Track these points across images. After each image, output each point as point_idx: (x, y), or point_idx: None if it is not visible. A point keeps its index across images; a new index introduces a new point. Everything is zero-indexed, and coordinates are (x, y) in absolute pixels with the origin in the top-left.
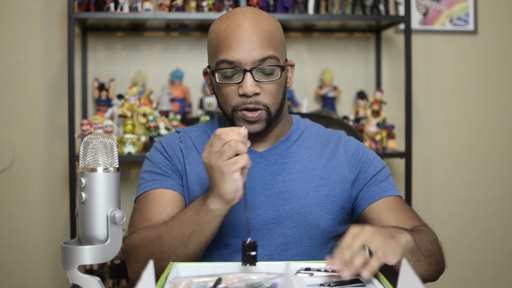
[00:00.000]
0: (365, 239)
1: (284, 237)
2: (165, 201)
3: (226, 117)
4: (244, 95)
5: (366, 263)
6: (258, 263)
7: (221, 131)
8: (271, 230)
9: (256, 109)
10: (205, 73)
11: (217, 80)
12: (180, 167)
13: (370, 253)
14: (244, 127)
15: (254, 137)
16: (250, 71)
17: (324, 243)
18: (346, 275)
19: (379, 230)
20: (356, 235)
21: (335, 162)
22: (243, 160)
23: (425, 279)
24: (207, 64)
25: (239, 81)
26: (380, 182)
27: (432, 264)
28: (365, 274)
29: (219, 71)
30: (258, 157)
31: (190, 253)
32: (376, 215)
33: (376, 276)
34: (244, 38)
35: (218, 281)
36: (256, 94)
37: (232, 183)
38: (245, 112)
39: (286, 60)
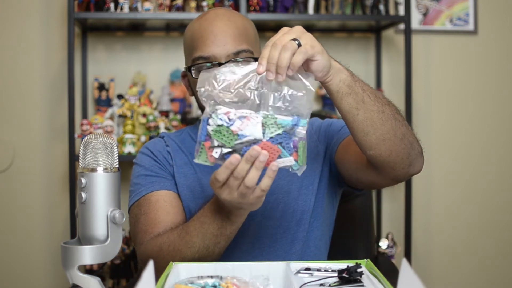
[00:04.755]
0: (296, 35)
1: (273, 229)
2: (171, 200)
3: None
4: None
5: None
6: (258, 264)
7: (221, 174)
8: (259, 223)
9: None
10: (183, 76)
11: (193, 76)
12: (171, 169)
13: (299, 46)
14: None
15: None
16: (225, 64)
17: (310, 225)
18: (270, 77)
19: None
20: (286, 32)
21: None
22: (265, 184)
23: (389, 141)
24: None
25: None
26: (344, 127)
27: (388, 115)
28: (286, 72)
29: (195, 67)
30: None
31: (216, 256)
32: (345, 150)
33: (376, 276)
34: (217, 33)
35: None
36: None
37: (260, 203)
38: None
39: None
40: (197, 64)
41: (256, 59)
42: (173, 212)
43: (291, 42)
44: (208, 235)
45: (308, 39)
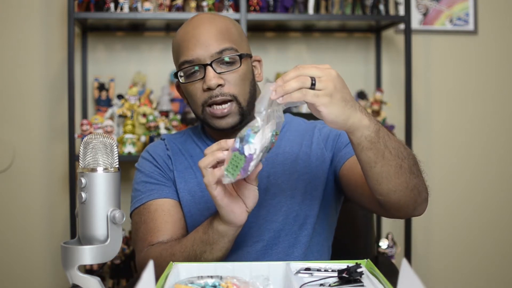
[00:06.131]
0: (319, 75)
1: (275, 232)
2: (168, 209)
3: (199, 118)
4: (209, 89)
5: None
6: (258, 264)
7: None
8: (261, 225)
9: (224, 102)
10: (177, 86)
11: (181, 81)
12: (171, 175)
13: (313, 84)
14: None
15: (233, 133)
16: (210, 64)
17: (314, 230)
18: (273, 96)
19: (342, 82)
20: (318, 66)
21: (312, 147)
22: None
23: (400, 192)
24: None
25: (202, 76)
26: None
27: (405, 170)
28: (285, 99)
29: (182, 72)
30: None
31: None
32: (350, 169)
33: (376, 276)
34: (199, 36)
35: None
36: (221, 86)
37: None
38: (213, 110)
39: (251, 56)
40: (183, 68)
41: (241, 56)
42: (171, 221)
43: (307, 78)
44: (197, 240)
45: (325, 85)
